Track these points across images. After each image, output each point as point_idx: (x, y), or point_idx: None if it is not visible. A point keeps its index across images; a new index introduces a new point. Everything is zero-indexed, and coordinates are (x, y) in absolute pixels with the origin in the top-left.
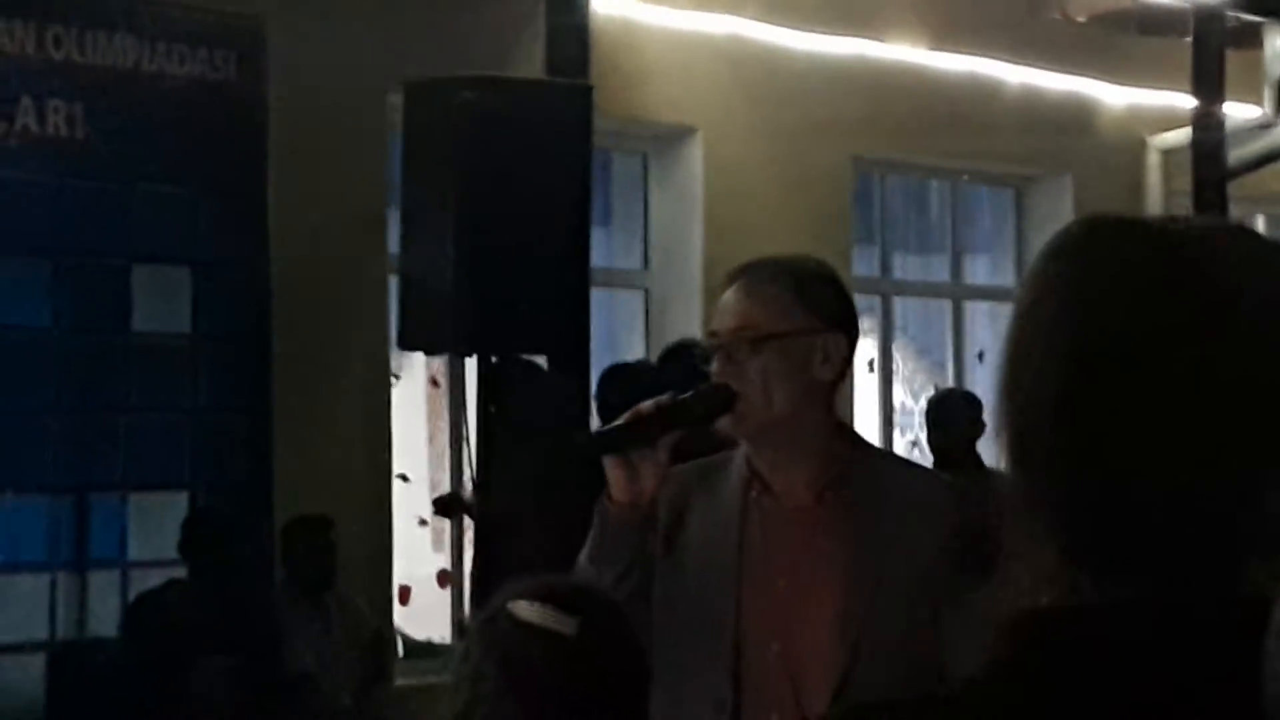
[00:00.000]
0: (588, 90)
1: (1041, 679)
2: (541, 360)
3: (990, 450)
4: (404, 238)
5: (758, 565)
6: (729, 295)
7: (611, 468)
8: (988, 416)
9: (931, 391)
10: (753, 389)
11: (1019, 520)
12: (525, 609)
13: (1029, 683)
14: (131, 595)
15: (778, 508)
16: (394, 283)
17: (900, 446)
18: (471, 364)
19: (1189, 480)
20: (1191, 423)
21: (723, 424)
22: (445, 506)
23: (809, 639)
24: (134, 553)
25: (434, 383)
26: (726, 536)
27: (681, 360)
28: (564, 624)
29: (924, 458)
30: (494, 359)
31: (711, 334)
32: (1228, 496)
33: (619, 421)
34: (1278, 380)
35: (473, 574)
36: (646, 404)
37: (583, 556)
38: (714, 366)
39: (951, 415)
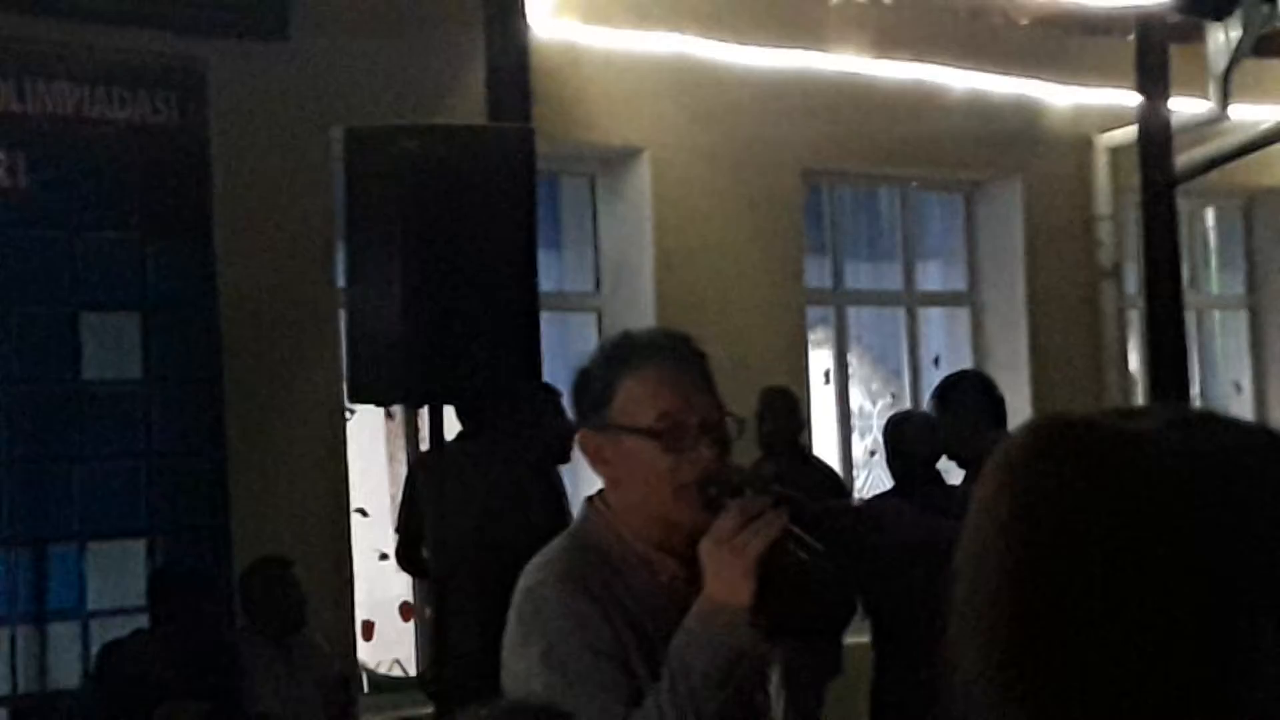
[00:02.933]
0: (529, 132)
1: None
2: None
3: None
4: (349, 287)
5: None
6: (695, 379)
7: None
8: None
9: (888, 399)
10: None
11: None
12: None
13: None
14: (93, 646)
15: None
16: (343, 317)
17: (859, 451)
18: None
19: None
20: (1137, 652)
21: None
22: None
23: None
24: (93, 602)
25: (389, 415)
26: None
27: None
28: None
29: (884, 473)
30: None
31: (716, 415)
32: None
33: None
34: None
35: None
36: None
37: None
38: (704, 450)
39: (911, 440)
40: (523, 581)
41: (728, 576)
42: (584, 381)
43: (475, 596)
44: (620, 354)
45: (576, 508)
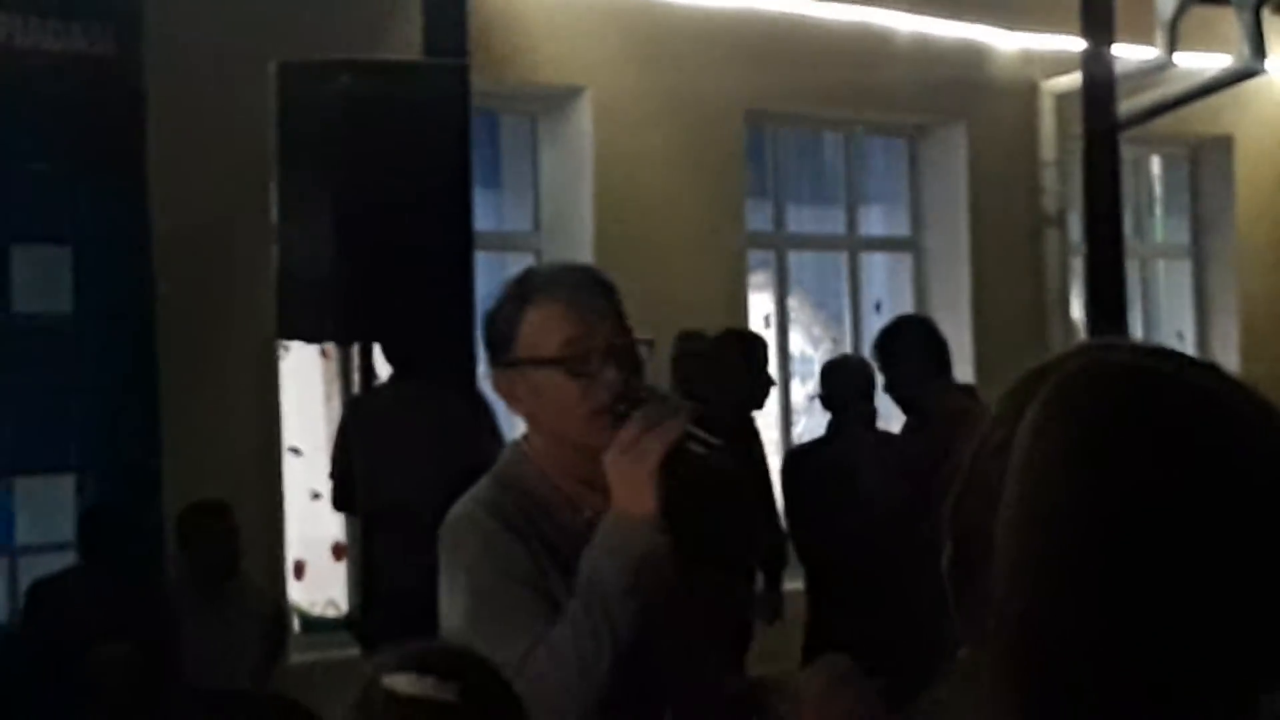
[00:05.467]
0: (463, 68)
1: None
2: None
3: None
4: (281, 223)
5: None
6: (599, 305)
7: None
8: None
9: (829, 345)
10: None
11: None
12: (401, 682)
13: None
14: (21, 581)
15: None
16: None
17: (800, 396)
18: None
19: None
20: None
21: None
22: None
23: None
24: (21, 538)
25: (324, 353)
26: None
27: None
28: (444, 691)
29: (824, 418)
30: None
31: (623, 338)
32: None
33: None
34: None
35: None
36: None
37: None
38: (609, 372)
39: (845, 384)
40: (447, 517)
41: (630, 484)
42: (490, 321)
43: (404, 538)
44: (522, 289)
45: None
